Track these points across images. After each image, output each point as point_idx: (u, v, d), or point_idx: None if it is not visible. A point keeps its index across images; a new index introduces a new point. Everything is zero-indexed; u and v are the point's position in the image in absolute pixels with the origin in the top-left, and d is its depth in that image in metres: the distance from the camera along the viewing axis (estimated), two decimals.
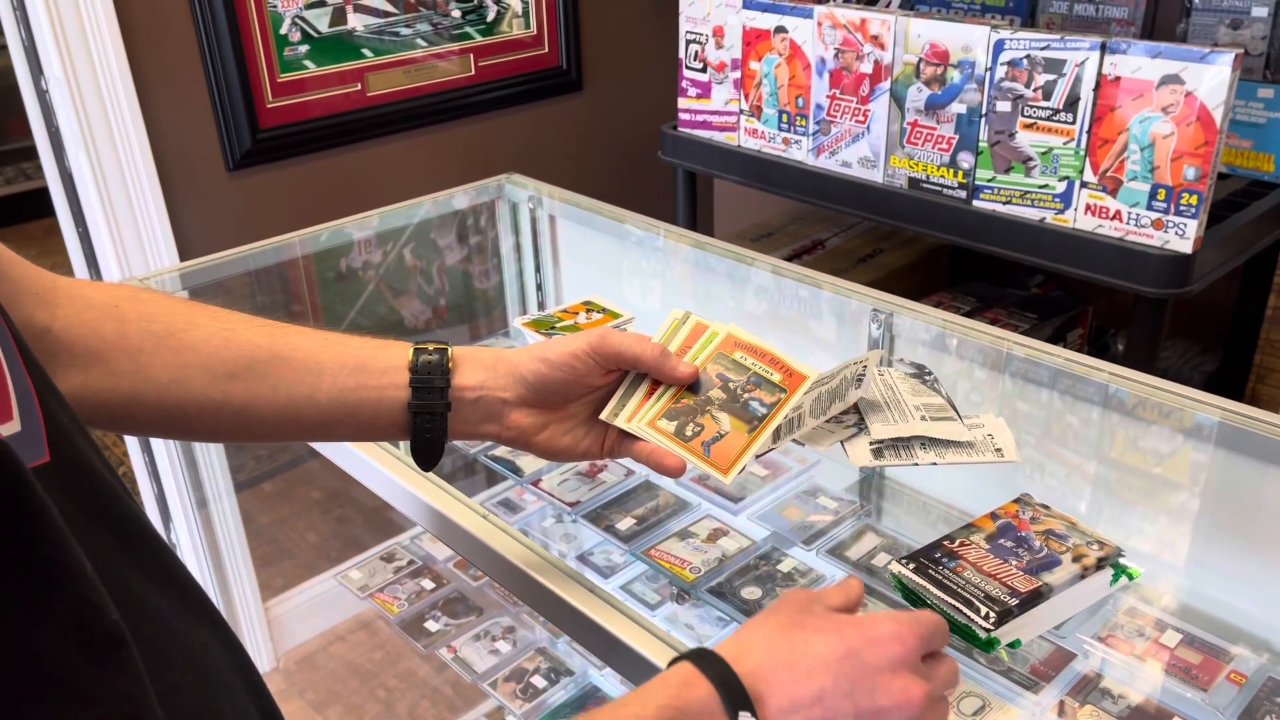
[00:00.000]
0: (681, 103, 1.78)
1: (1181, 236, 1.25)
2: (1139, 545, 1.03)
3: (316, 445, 1.05)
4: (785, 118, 1.63)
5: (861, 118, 1.53)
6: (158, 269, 1.69)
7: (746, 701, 0.53)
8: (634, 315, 1.24)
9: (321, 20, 1.81)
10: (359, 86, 1.89)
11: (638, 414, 0.73)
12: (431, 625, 1.46)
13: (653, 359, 0.72)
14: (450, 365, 0.70)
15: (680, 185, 1.87)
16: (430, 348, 0.70)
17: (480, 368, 0.71)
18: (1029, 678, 0.91)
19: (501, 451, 1.35)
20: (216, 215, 1.80)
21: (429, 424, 0.69)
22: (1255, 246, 1.45)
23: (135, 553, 0.47)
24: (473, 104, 2.05)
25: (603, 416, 0.73)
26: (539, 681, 1.41)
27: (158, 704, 0.38)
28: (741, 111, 1.70)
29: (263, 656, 2.07)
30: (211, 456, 1.84)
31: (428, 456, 0.71)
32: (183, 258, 1.75)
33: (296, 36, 1.79)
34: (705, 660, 0.56)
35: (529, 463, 1.31)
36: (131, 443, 1.95)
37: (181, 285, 1.45)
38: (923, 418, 0.88)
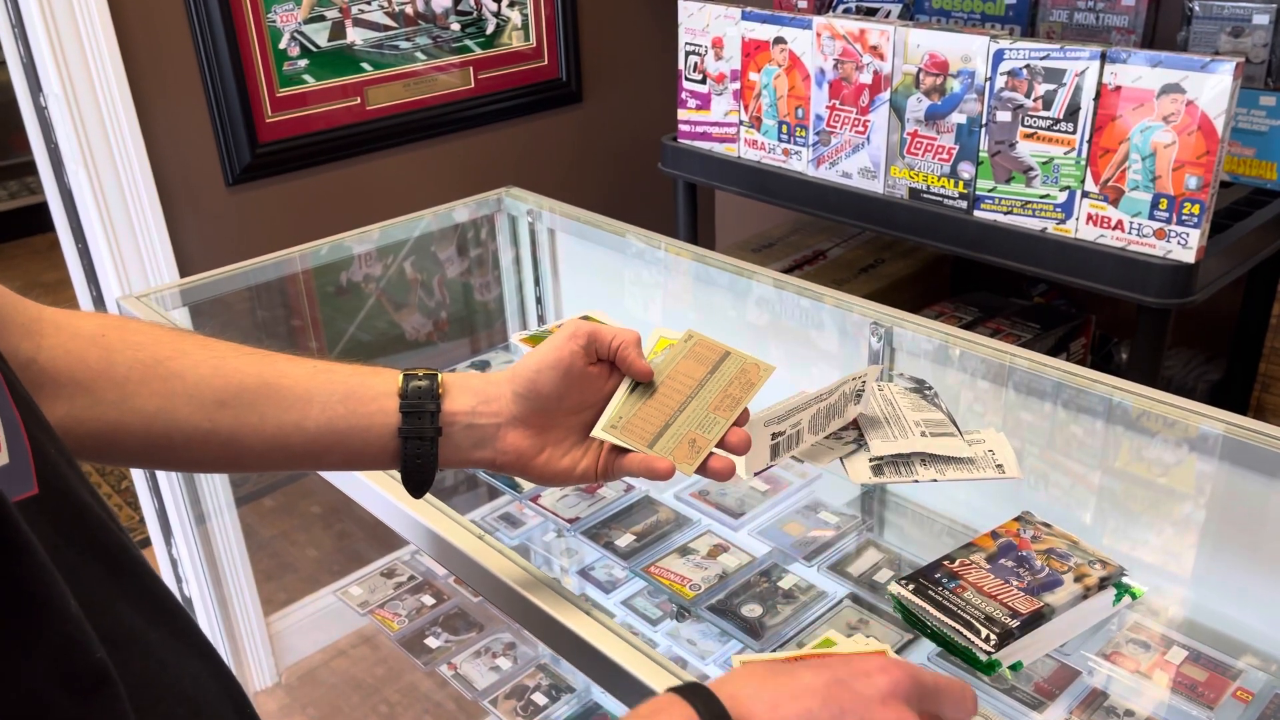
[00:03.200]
0: (681, 114, 1.78)
1: (1184, 246, 1.24)
2: (1143, 559, 1.02)
3: None
4: (785, 129, 1.63)
5: (861, 128, 1.52)
6: (158, 285, 1.69)
7: (726, 716, 0.51)
8: (634, 330, 1.23)
9: (320, 34, 1.81)
10: (358, 100, 1.89)
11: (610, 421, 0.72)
12: (432, 641, 1.45)
13: (620, 342, 0.71)
14: (440, 390, 0.69)
15: (680, 197, 1.86)
16: (420, 373, 0.70)
17: (470, 393, 0.70)
18: (1034, 696, 0.90)
19: None
20: (216, 230, 1.80)
21: (419, 450, 0.68)
22: (1259, 255, 1.44)
23: (125, 585, 0.47)
24: (472, 116, 2.05)
25: (593, 433, 0.72)
26: (540, 699, 1.40)
27: None
28: (741, 123, 1.69)
29: (264, 672, 2.06)
30: None
31: (418, 484, 0.70)
32: (183, 273, 1.75)
33: (295, 51, 1.79)
34: (686, 688, 0.54)
35: None
36: None
37: (182, 301, 1.45)
38: (923, 434, 0.87)
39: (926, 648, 0.88)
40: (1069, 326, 1.79)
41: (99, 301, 1.78)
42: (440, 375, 0.70)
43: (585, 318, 1.24)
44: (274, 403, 0.67)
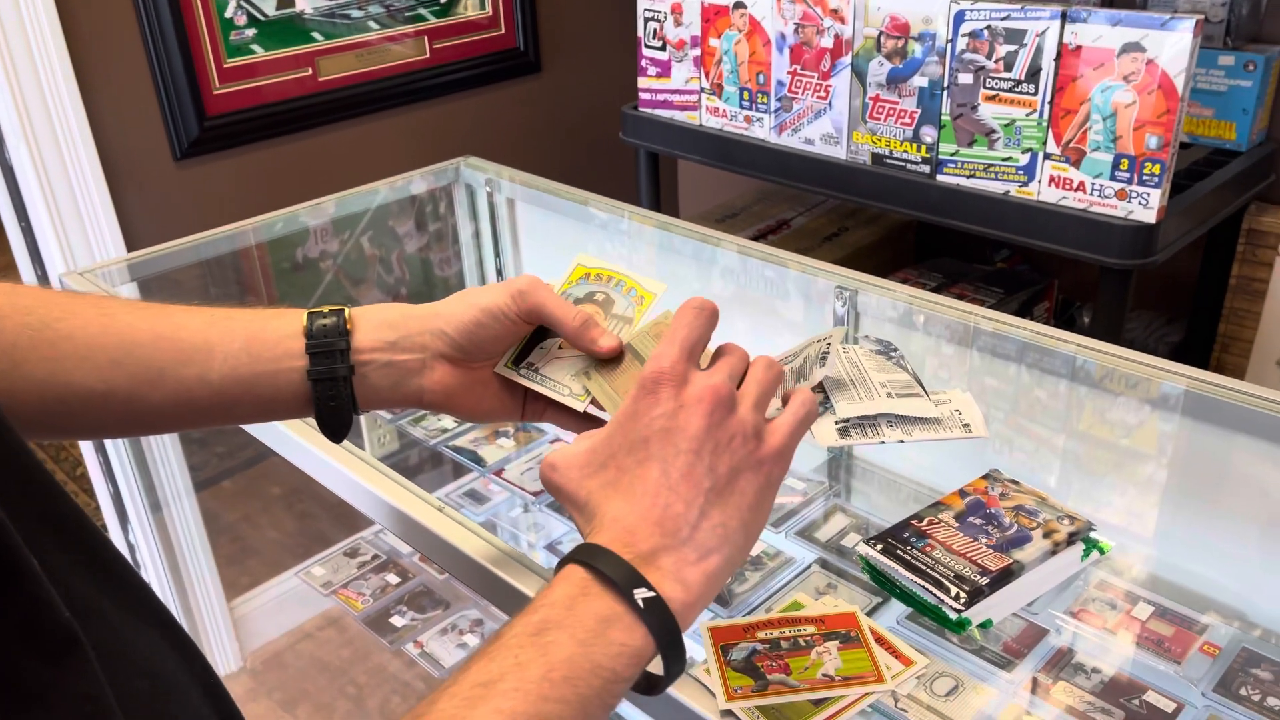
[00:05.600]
0: (641, 82, 1.75)
1: (1145, 206, 1.24)
2: (1109, 517, 1.02)
3: (270, 440, 1.02)
4: (746, 95, 1.61)
5: (823, 94, 1.50)
6: (104, 260, 1.64)
7: (641, 580, 0.54)
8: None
9: (268, 3, 1.76)
10: (310, 71, 1.84)
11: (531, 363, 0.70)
12: (397, 620, 1.43)
13: (572, 330, 0.67)
14: (349, 326, 0.65)
15: (642, 167, 1.84)
16: (325, 310, 0.66)
17: (386, 327, 0.66)
18: (1002, 656, 0.90)
19: (463, 442, 1.32)
20: (164, 206, 1.75)
21: (332, 391, 0.64)
22: (1218, 215, 1.44)
23: (75, 553, 0.45)
24: (428, 87, 2.01)
25: (497, 369, 0.69)
26: None
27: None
28: (702, 90, 1.67)
29: (229, 657, 2.03)
30: (169, 454, 1.79)
31: (335, 428, 0.66)
32: (130, 251, 1.70)
33: (243, 20, 1.74)
34: (603, 565, 0.55)
35: (491, 453, 1.29)
36: (86, 444, 1.90)
37: (130, 277, 1.41)
38: (889, 395, 0.86)
39: (896, 609, 0.87)
40: (1032, 291, 1.80)
41: (44, 280, 1.72)
42: (348, 310, 0.66)
43: None
44: (171, 357, 0.63)
